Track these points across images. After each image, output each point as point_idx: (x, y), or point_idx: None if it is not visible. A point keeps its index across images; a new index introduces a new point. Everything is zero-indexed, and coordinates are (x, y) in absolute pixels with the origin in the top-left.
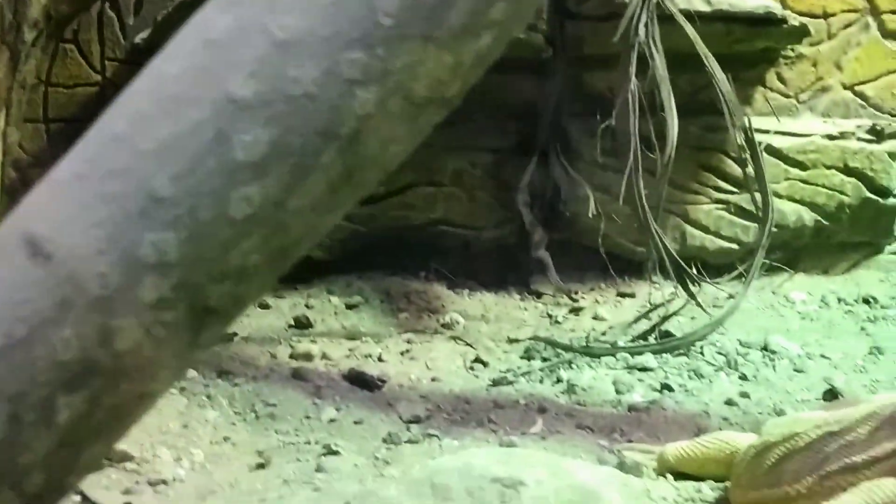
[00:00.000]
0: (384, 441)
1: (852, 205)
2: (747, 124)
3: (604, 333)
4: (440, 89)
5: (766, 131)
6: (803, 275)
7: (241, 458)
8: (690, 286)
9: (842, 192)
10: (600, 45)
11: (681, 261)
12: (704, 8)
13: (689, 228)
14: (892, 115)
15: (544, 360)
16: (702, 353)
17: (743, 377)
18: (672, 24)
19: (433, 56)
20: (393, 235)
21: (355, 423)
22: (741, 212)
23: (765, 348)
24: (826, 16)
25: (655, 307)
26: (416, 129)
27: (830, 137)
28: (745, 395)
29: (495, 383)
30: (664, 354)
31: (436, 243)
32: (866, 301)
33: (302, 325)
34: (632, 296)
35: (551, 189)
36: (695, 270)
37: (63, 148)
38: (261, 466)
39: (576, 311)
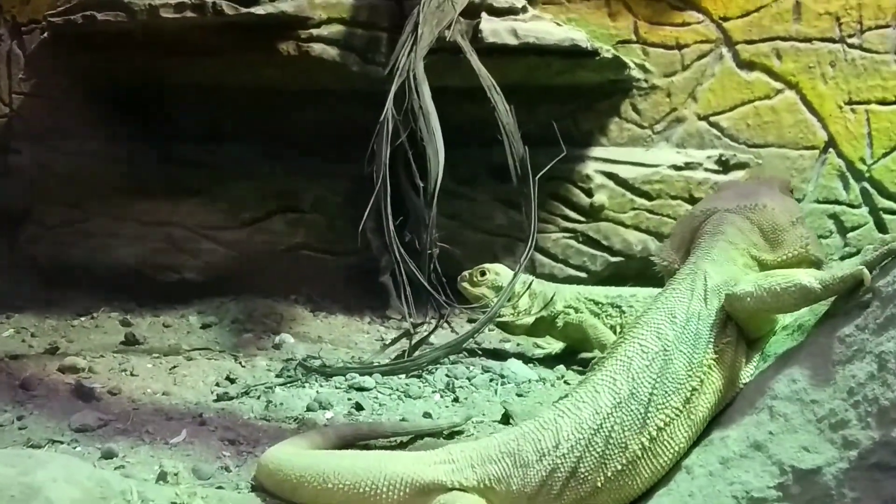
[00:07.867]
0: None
1: None
2: (525, 154)
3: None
4: None
5: (615, 161)
6: None
7: None
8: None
9: None
10: (437, 77)
11: (429, 287)
12: (513, 41)
13: (539, 256)
14: (748, 146)
15: (288, 377)
16: (432, 375)
17: (455, 399)
18: (502, 57)
19: None
20: (260, 259)
21: (19, 428)
22: (589, 241)
23: (500, 374)
24: (680, 47)
25: (406, 333)
26: None
27: (676, 168)
28: (427, 414)
29: (219, 398)
30: (394, 376)
31: (300, 267)
32: None
33: (129, 342)
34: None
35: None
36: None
37: None
38: None
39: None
